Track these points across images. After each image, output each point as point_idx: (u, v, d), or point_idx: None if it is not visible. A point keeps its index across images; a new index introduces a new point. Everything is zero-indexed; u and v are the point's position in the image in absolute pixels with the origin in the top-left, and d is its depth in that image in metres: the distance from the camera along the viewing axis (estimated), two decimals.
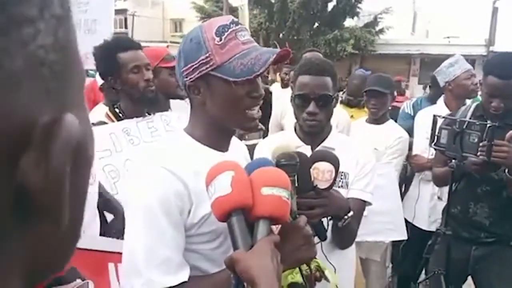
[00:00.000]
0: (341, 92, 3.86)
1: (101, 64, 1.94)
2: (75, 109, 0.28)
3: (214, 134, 1.14)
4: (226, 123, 1.14)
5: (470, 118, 2.14)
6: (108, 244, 1.30)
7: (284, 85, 4.24)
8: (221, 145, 1.16)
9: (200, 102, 1.11)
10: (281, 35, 16.43)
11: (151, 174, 1.05)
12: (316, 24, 16.53)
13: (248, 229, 0.93)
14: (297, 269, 1.14)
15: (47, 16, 0.25)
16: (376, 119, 2.89)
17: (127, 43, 1.98)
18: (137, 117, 1.95)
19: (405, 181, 3.20)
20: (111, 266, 1.26)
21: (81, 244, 1.12)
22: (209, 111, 1.11)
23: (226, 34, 1.05)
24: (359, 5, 16.46)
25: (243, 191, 0.93)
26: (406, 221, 2.82)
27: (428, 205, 2.83)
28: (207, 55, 1.05)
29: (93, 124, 1.88)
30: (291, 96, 1.66)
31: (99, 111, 2.34)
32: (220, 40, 1.04)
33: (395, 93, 3.03)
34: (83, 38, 2.72)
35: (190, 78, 1.08)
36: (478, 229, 2.23)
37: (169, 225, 1.02)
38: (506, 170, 1.99)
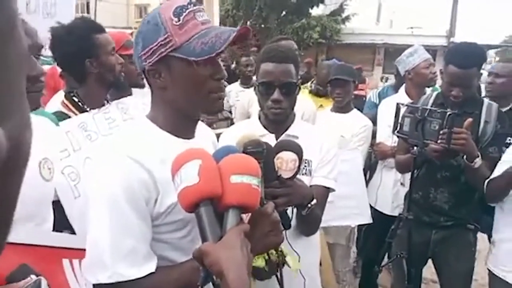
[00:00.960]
0: (309, 82, 3.88)
1: (75, 44, 1.77)
2: (8, 117, 0.26)
3: (178, 120, 1.10)
4: (189, 108, 1.09)
5: (431, 106, 2.19)
6: (61, 239, 1.24)
7: (245, 78, 4.15)
8: (186, 132, 1.13)
9: (161, 87, 1.07)
10: (248, 22, 16.31)
11: (114, 163, 1.00)
12: (284, 13, 16.50)
13: (217, 219, 0.90)
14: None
15: None
16: (341, 108, 2.96)
17: (99, 25, 1.88)
18: (98, 104, 1.85)
19: (369, 168, 3.27)
20: (65, 262, 1.20)
21: (32, 240, 1.06)
22: (171, 96, 1.08)
23: (184, 14, 1.02)
24: None
25: (211, 180, 0.89)
26: (370, 206, 2.89)
27: (391, 191, 2.90)
28: (166, 36, 1.01)
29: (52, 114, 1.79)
30: (255, 84, 1.64)
31: (56, 101, 2.22)
32: (179, 20, 1.01)
33: (356, 82, 3.09)
34: (42, 22, 2.58)
35: (149, 62, 1.04)
36: (438, 214, 2.31)
37: (135, 215, 0.99)
38: (465, 157, 2.05)
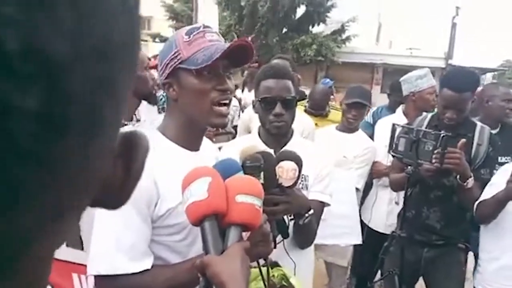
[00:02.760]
0: (305, 101, 3.95)
1: None
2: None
3: (186, 132, 1.19)
4: (194, 118, 1.17)
5: (426, 128, 2.26)
6: (72, 254, 1.30)
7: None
8: (192, 144, 1.21)
9: (173, 98, 1.17)
10: (249, 38, 16.52)
11: None
12: (285, 30, 16.70)
13: (220, 234, 0.96)
14: (260, 276, 1.17)
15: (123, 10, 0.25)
16: (349, 128, 2.95)
17: None
18: (128, 114, 1.99)
19: (365, 187, 3.32)
20: (75, 276, 1.27)
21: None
22: (180, 107, 1.17)
23: (195, 33, 1.13)
24: (328, 14, 16.76)
25: (218, 197, 0.95)
26: (363, 223, 2.94)
27: (386, 209, 2.95)
28: (176, 50, 1.13)
29: None
30: (254, 101, 1.71)
31: None
32: (189, 38, 1.12)
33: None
34: None
35: (164, 76, 1.16)
36: (430, 232, 2.36)
37: (137, 215, 1.07)
38: (458, 176, 2.12)
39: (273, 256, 1.42)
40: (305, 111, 3.73)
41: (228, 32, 15.74)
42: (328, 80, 8.80)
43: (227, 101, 1.17)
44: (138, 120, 2.09)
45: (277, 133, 1.68)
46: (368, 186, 3.24)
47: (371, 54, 18.18)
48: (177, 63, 1.12)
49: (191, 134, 1.21)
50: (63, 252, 1.28)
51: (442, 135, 2.09)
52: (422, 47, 20.04)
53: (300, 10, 16.65)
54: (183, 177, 0.99)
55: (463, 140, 2.09)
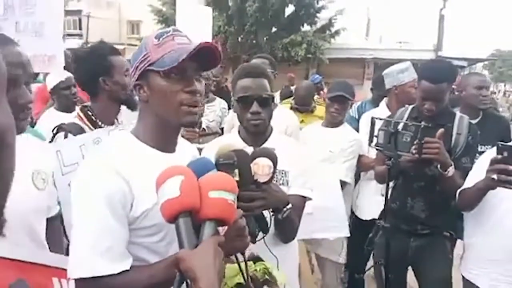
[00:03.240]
0: (291, 98, 4.00)
1: (92, 64, 2.01)
2: None
3: (158, 133, 1.22)
4: (165, 118, 1.20)
5: (406, 120, 2.31)
6: (53, 259, 1.32)
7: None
8: (166, 146, 1.23)
9: (144, 100, 1.21)
10: (239, 39, 16.52)
11: (97, 171, 1.12)
12: (274, 29, 16.74)
13: (194, 230, 0.99)
14: (239, 271, 1.20)
15: None
16: (333, 123, 3.00)
17: (116, 49, 2.11)
18: (110, 119, 2.05)
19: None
20: (55, 280, 1.28)
21: (26, 257, 1.15)
22: (151, 108, 1.21)
23: (164, 36, 1.17)
24: (317, 13, 16.80)
25: (191, 194, 0.98)
26: (353, 215, 2.98)
27: (372, 200, 2.98)
28: (145, 53, 1.17)
29: (64, 124, 1.93)
30: (232, 100, 1.75)
31: (52, 117, 2.35)
32: (158, 41, 1.16)
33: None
34: (31, 41, 2.67)
35: (134, 78, 1.20)
36: (415, 222, 2.41)
37: (113, 218, 1.10)
38: (439, 166, 2.16)
39: (255, 252, 1.46)
40: (291, 108, 3.78)
41: (218, 33, 15.74)
42: (316, 76, 8.85)
43: (196, 103, 1.20)
44: (121, 123, 2.12)
45: (255, 131, 1.72)
46: (356, 179, 3.29)
47: (361, 49, 18.27)
48: (146, 65, 1.16)
49: (164, 135, 1.23)
50: (43, 257, 1.29)
51: (421, 126, 2.13)
52: (411, 40, 20.13)
53: (289, 9, 16.68)
54: (156, 177, 1.02)
55: (442, 130, 2.13)
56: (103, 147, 1.29)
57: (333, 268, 3.05)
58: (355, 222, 3.03)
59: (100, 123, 2.04)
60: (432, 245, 2.41)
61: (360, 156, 3.04)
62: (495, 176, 1.85)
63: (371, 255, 2.59)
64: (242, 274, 1.20)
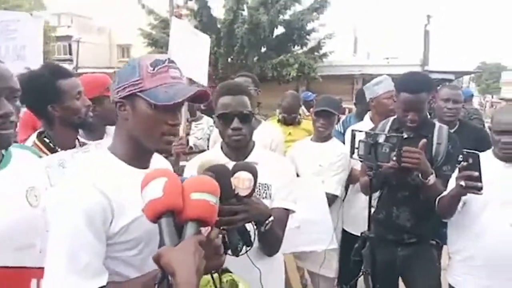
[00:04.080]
0: (277, 111, 4.06)
1: (38, 92, 1.87)
2: None
3: (134, 151, 1.26)
4: (142, 141, 1.25)
5: (388, 131, 2.38)
6: (30, 259, 1.32)
7: None
8: (141, 162, 1.28)
9: (123, 117, 1.24)
10: (229, 59, 16.71)
11: (76, 188, 1.15)
12: (263, 49, 16.98)
13: (177, 230, 1.03)
14: (211, 282, 1.23)
15: None
16: (321, 137, 3.06)
17: (64, 70, 1.99)
18: (68, 144, 1.95)
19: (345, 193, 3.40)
20: (33, 282, 1.28)
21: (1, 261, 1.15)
22: (130, 127, 1.24)
23: (159, 66, 1.21)
24: (308, 36, 17.11)
25: (173, 195, 1.03)
26: (343, 229, 3.00)
27: (361, 213, 3.01)
28: (138, 78, 1.20)
29: None
30: (214, 117, 1.80)
31: (29, 142, 2.34)
32: (153, 70, 1.20)
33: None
34: (13, 64, 2.74)
35: (119, 95, 1.23)
36: (401, 231, 2.44)
37: (91, 234, 1.11)
38: (420, 175, 2.22)
39: (239, 265, 1.48)
40: (278, 120, 3.84)
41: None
42: (309, 93, 8.94)
43: (176, 134, 1.27)
44: (83, 145, 2.05)
45: (236, 146, 1.76)
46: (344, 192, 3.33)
47: (349, 66, 18.54)
48: (137, 90, 1.20)
49: (140, 152, 1.27)
50: (21, 259, 1.29)
51: (402, 137, 2.19)
52: (399, 55, 20.47)
53: (278, 31, 16.96)
54: (142, 178, 1.06)
55: (424, 140, 2.19)
56: (82, 164, 1.31)
57: (325, 282, 3.06)
58: (345, 235, 3.05)
59: (59, 149, 1.92)
60: (419, 253, 2.44)
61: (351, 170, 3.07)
62: (463, 183, 1.91)
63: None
64: (214, 283, 1.22)
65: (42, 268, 1.13)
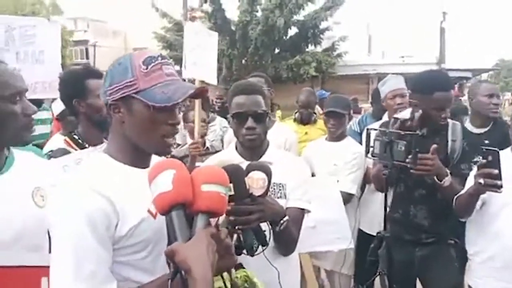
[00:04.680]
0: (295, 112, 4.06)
1: (68, 87, 2.11)
2: None
3: (132, 152, 1.22)
4: (142, 144, 1.21)
5: (399, 129, 2.35)
6: (41, 258, 1.32)
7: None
8: (141, 162, 1.23)
9: (119, 121, 1.20)
10: (243, 61, 16.75)
11: (77, 193, 1.10)
12: (277, 50, 16.96)
13: (187, 222, 1.01)
14: (219, 276, 1.20)
15: None
16: (335, 137, 3.07)
17: (96, 72, 2.15)
18: (95, 141, 2.07)
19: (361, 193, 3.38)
20: (44, 280, 1.27)
21: (11, 261, 1.18)
22: (127, 130, 1.20)
23: (152, 64, 1.17)
24: (321, 35, 17.05)
25: (183, 188, 1.00)
26: (360, 229, 2.98)
27: (377, 212, 2.99)
28: (132, 79, 1.15)
29: (52, 151, 1.99)
30: (228, 117, 1.81)
31: (56, 140, 2.43)
32: (146, 68, 1.16)
33: (351, 113, 3.24)
34: (32, 68, 2.83)
35: (112, 97, 1.18)
36: (418, 231, 2.41)
37: (95, 241, 1.07)
38: (435, 177, 2.18)
39: (256, 265, 1.49)
40: (295, 120, 3.84)
41: (222, 57, 15.99)
42: (323, 91, 8.93)
43: (175, 134, 1.25)
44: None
45: (250, 146, 1.77)
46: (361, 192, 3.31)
47: (364, 65, 18.39)
48: (132, 91, 1.15)
49: (138, 153, 1.23)
50: (31, 258, 1.30)
51: (417, 134, 2.17)
52: (414, 54, 20.22)
53: (292, 31, 16.93)
54: (149, 170, 1.04)
55: (434, 146, 2.15)
56: (80, 169, 1.27)
57: (344, 280, 3.07)
58: (361, 235, 3.03)
59: (87, 145, 2.07)
60: (438, 254, 2.40)
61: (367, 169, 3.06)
62: (482, 181, 1.87)
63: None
64: (223, 279, 1.21)
65: None
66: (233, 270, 1.34)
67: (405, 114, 2.41)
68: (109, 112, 1.22)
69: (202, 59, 3.10)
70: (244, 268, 1.41)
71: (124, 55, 1.23)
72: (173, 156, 3.52)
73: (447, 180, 2.16)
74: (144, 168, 1.22)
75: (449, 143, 2.31)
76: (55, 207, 1.14)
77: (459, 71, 16.89)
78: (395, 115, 2.54)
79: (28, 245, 1.36)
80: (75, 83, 2.07)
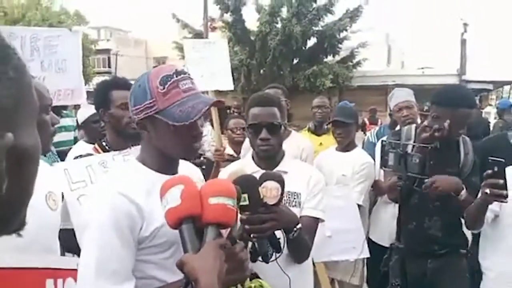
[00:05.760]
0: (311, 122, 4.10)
1: (96, 96, 2.24)
2: (24, 128, 0.49)
3: (161, 160, 1.33)
4: (170, 154, 1.32)
5: (413, 141, 2.38)
6: (46, 260, 1.39)
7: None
8: (169, 169, 1.33)
9: (147, 138, 1.31)
10: (261, 71, 16.87)
11: (105, 198, 1.23)
12: (296, 61, 17.03)
13: (198, 235, 1.09)
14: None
15: (3, 79, 0.46)
16: (344, 147, 3.10)
17: (123, 83, 2.24)
18: (121, 149, 2.12)
19: (373, 204, 3.39)
20: (49, 282, 1.34)
21: (15, 263, 1.25)
22: (154, 142, 1.31)
23: (169, 83, 1.24)
24: (339, 45, 17.07)
25: (191, 202, 1.08)
26: (371, 240, 3.00)
27: (390, 224, 3.00)
28: (152, 100, 1.24)
29: (81, 156, 2.10)
30: (245, 127, 1.87)
31: (81, 148, 2.55)
32: (163, 88, 1.24)
33: (367, 122, 3.31)
34: (55, 77, 2.98)
35: (138, 117, 1.28)
36: (432, 242, 2.42)
37: (119, 242, 1.18)
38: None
39: (269, 271, 1.54)
40: (308, 130, 3.88)
41: (240, 67, 16.14)
42: (346, 102, 8.96)
43: (199, 141, 1.33)
44: None
45: (264, 156, 1.83)
46: (373, 204, 3.32)
47: (382, 76, 18.29)
48: (152, 112, 1.24)
49: (167, 161, 1.33)
50: (34, 260, 1.35)
51: (429, 147, 2.20)
52: (434, 65, 20.03)
53: (311, 41, 16.99)
54: (160, 186, 1.12)
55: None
56: (112, 174, 1.40)
57: None
58: (372, 246, 3.04)
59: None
60: (450, 265, 2.41)
61: (375, 181, 3.07)
62: (488, 191, 1.88)
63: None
64: None
65: (59, 269, 1.22)
66: (247, 280, 1.40)
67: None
68: (139, 130, 1.33)
69: (209, 69, 3.17)
70: (259, 277, 1.46)
71: (142, 75, 1.31)
72: (207, 159, 3.62)
73: (463, 194, 2.18)
74: (172, 174, 1.31)
75: (462, 156, 2.32)
76: (88, 209, 1.27)
77: (480, 83, 16.66)
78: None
79: (42, 247, 1.44)
80: (101, 93, 2.18)
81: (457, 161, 2.28)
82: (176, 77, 1.26)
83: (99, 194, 1.27)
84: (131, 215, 1.20)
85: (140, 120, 1.28)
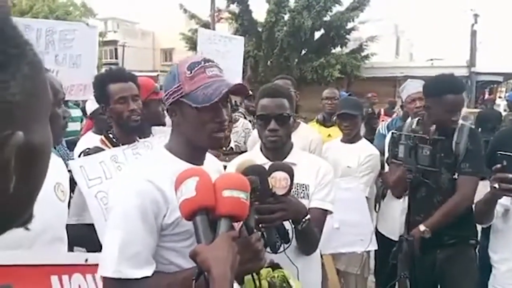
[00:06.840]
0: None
1: (95, 92, 2.20)
2: (36, 125, 0.48)
3: (188, 149, 1.34)
4: (195, 141, 1.33)
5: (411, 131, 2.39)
6: (50, 257, 1.40)
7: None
8: (195, 159, 1.35)
9: (176, 123, 1.34)
10: (269, 62, 16.80)
11: (134, 184, 1.24)
12: (303, 52, 16.93)
13: (211, 226, 1.09)
14: (264, 275, 1.28)
15: (18, 76, 0.45)
16: (350, 138, 3.08)
17: (117, 75, 2.19)
18: (127, 141, 2.15)
19: (382, 197, 3.37)
20: (54, 278, 1.35)
21: (20, 260, 1.25)
22: (182, 130, 1.33)
23: (196, 69, 1.27)
24: (347, 35, 16.94)
25: (205, 194, 1.09)
26: (379, 233, 2.99)
27: (399, 218, 2.98)
28: (178, 84, 1.28)
29: (89, 149, 2.10)
30: (254, 118, 1.86)
31: (89, 139, 2.55)
32: (190, 73, 1.27)
33: (382, 112, 3.31)
34: (69, 71, 2.96)
35: (167, 103, 1.32)
36: (440, 234, 2.41)
37: (143, 227, 1.20)
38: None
39: (277, 261, 1.54)
40: (317, 121, 3.86)
41: (247, 58, 16.08)
42: (343, 93, 8.96)
43: (224, 129, 1.33)
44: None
45: (272, 147, 1.82)
46: (382, 197, 3.30)
47: (391, 68, 18.15)
48: (179, 96, 1.27)
49: (194, 150, 1.35)
50: (39, 257, 1.36)
51: (438, 139, 2.19)
52: (444, 56, 19.84)
53: (318, 32, 16.87)
54: (175, 178, 1.13)
55: None
56: (140, 161, 1.42)
57: (356, 282, 3.07)
58: (381, 239, 3.03)
59: (121, 145, 2.14)
60: (459, 255, 2.42)
61: (383, 173, 3.06)
62: (496, 185, 1.87)
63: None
64: (254, 281, 1.26)
65: (64, 265, 1.22)
66: (270, 270, 1.40)
67: None
68: (169, 115, 1.36)
69: (221, 63, 3.16)
70: (281, 268, 1.46)
71: (175, 65, 1.36)
72: (232, 149, 3.64)
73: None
74: (198, 164, 1.34)
75: (453, 146, 2.34)
76: (113, 192, 1.29)
77: (489, 75, 16.48)
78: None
79: (52, 238, 1.46)
80: (99, 88, 2.16)
81: (450, 152, 2.29)
82: (204, 63, 1.29)
83: (127, 179, 1.29)
84: (156, 201, 1.22)
85: (169, 105, 1.32)
